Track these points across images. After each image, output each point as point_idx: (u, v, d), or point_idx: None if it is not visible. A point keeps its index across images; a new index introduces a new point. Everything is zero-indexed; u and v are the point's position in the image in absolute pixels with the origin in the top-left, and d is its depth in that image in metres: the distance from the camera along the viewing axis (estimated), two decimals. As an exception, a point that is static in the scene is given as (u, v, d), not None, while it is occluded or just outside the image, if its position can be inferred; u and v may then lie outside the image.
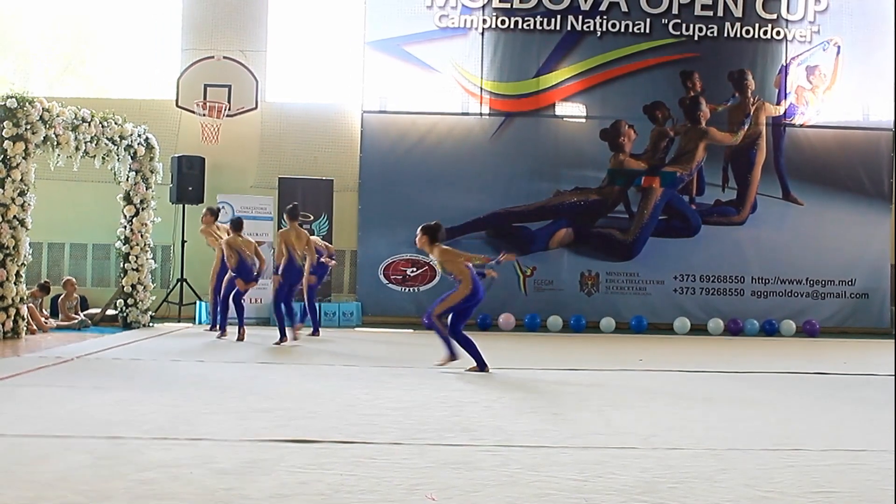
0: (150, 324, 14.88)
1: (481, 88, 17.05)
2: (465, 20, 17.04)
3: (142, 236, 14.77)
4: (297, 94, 17.58)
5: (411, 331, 15.50)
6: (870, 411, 8.52)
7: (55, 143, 12.71)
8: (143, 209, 14.79)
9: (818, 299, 17.14)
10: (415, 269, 16.77)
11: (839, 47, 17.36)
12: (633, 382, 10.01)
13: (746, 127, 17.27)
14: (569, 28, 17.09)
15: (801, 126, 17.39)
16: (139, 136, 14.57)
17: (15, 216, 12.18)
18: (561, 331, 16.20)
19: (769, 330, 16.57)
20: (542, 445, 6.40)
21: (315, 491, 5.06)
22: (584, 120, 17.35)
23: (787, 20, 17.32)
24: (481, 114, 17.11)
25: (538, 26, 17.07)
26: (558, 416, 7.68)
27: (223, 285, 13.42)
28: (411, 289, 16.78)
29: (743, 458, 6.20)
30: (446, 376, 10.00)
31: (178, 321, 15.78)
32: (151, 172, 14.91)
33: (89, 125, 13.31)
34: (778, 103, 17.37)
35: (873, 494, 5.34)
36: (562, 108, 17.34)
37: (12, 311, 12.25)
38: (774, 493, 5.29)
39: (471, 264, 10.24)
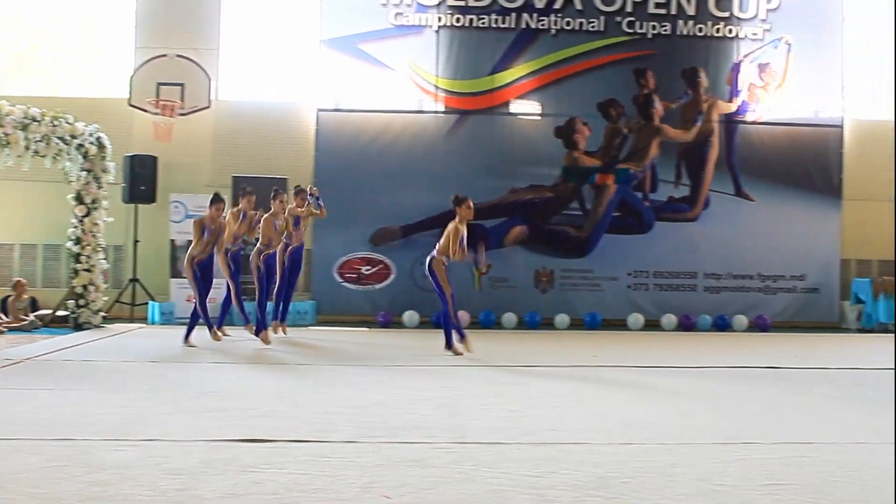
0: (102, 325, 14.72)
1: (436, 86, 17.05)
2: (421, 18, 17.03)
3: (93, 236, 14.61)
4: (252, 92, 17.46)
5: (366, 329, 15.48)
6: (819, 405, 8.64)
7: (4, 142, 12.55)
8: (94, 209, 14.63)
9: (769, 294, 17.32)
10: (370, 268, 16.74)
11: (790, 45, 17.54)
12: (588, 378, 10.07)
13: (699, 124, 17.41)
14: (523, 26, 17.13)
15: (753, 123, 17.55)
16: (91, 135, 14.41)
17: (-37, 216, 12.03)
18: (515, 328, 16.25)
19: (721, 325, 16.71)
20: (497, 442, 6.43)
21: (269, 490, 5.05)
22: (538, 117, 17.40)
23: (739, 18, 17.47)
24: (436, 112, 17.12)
25: (493, 24, 17.10)
26: (514, 413, 7.72)
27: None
28: (366, 287, 16.75)
29: (695, 452, 6.27)
30: (401, 374, 10.00)
31: (131, 322, 15.63)
32: (103, 172, 14.74)
33: (39, 124, 13.14)
34: (730, 100, 17.52)
35: (823, 487, 5.42)
36: (516, 106, 17.38)
37: (-39, 313, 12.09)
38: (726, 487, 5.36)
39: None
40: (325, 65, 16.95)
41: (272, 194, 13.00)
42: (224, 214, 12.65)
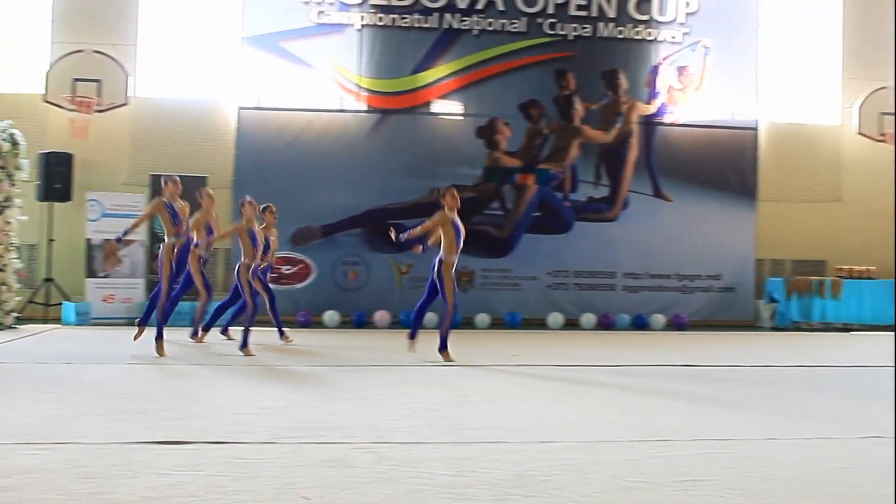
0: (15, 325, 14.41)
1: (358, 85, 17.00)
2: (343, 17, 16.98)
3: (6, 235, 14.29)
4: (171, 89, 17.22)
5: (286, 329, 15.35)
6: (733, 402, 8.79)
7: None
8: (6, 207, 14.30)
9: (686, 293, 17.60)
10: (290, 267, 16.63)
11: (707, 49, 17.83)
12: (508, 377, 10.14)
13: (619, 125, 17.62)
14: (446, 26, 17.18)
15: (672, 125, 17.82)
16: (3, 131, 14.11)
17: None
18: (436, 327, 16.20)
19: (639, 324, 16.93)
20: (417, 442, 6.45)
21: (186, 493, 5.00)
22: (460, 117, 17.46)
23: (658, 22, 17.73)
24: (358, 111, 17.07)
25: (416, 24, 17.12)
26: (433, 413, 7.74)
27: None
28: (286, 287, 16.63)
29: (613, 449, 6.35)
30: (321, 374, 9.95)
31: (45, 322, 15.33)
32: (16, 169, 14.43)
33: (-50, 120, 12.84)
34: (649, 102, 17.76)
35: (736, 482, 5.53)
36: (438, 106, 17.42)
37: None
38: (643, 483, 5.44)
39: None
40: (246, 62, 16.80)
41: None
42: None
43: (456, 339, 11.67)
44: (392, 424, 7.12)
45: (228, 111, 16.92)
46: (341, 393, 8.65)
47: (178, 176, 12.36)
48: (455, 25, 17.20)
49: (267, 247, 12.35)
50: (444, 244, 11.37)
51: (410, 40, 17.16)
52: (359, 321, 16.20)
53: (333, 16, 16.94)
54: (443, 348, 11.32)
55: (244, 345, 11.46)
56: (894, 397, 8.24)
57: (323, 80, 16.94)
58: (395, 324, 15.90)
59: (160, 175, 15.97)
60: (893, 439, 6.44)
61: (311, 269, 16.70)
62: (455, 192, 11.65)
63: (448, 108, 17.49)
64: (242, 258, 11.74)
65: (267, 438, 6.44)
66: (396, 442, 6.43)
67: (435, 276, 11.33)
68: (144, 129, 16.78)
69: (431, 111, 17.38)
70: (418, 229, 11.48)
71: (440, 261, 11.33)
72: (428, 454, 6.07)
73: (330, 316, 16.18)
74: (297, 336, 13.63)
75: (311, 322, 16.14)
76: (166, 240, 11.80)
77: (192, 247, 12.31)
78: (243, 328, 11.55)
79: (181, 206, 12.05)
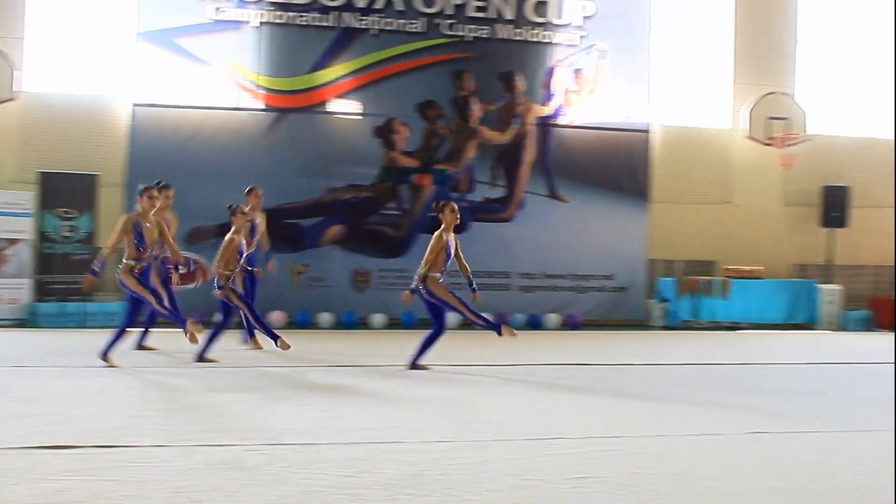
0: None
1: (255, 83, 16.83)
2: (240, 14, 16.78)
3: None
4: (61, 84, 16.82)
5: (180, 331, 15.12)
6: (624, 400, 8.97)
7: None
8: None
9: (580, 293, 17.84)
10: (185, 268, 16.36)
11: (602, 52, 18.10)
12: (402, 377, 10.17)
13: (515, 127, 17.77)
14: (344, 25, 17.11)
15: (567, 126, 18.04)
16: None
17: None
18: (332, 327, 16.22)
19: (534, 323, 17.12)
20: (311, 443, 6.45)
21: (73, 499, 4.93)
22: (358, 117, 17.41)
23: (555, 24, 17.92)
24: (255, 109, 16.90)
25: (314, 22, 17.02)
26: (328, 413, 7.74)
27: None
28: (180, 287, 16.35)
29: (506, 448, 6.44)
30: (215, 375, 9.86)
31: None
32: None
33: None
34: (545, 104, 17.95)
35: (628, 479, 5.66)
36: (336, 105, 17.35)
37: None
38: (536, 481, 5.53)
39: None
40: (140, 58, 16.50)
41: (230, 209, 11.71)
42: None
43: (351, 340, 11.67)
44: (286, 426, 7.10)
45: (121, 108, 16.59)
46: (235, 395, 8.58)
47: (69, 174, 11.79)
48: (353, 24, 17.15)
49: (253, 230, 12.09)
50: (428, 259, 10.99)
51: (308, 39, 17.06)
52: (248, 322, 16.02)
53: (230, 12, 16.74)
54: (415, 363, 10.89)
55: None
56: (894, 396, 8.48)
57: (219, 78, 16.72)
58: (291, 324, 15.81)
59: (49, 172, 15.70)
60: (893, 437, 6.64)
61: (206, 270, 16.47)
62: (455, 208, 11.19)
63: (346, 107, 17.44)
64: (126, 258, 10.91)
65: (158, 441, 6.37)
66: (290, 443, 6.42)
67: (425, 297, 10.89)
68: (32, 125, 16.35)
69: (329, 110, 17.30)
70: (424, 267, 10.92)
71: (423, 277, 10.85)
72: (321, 455, 6.08)
73: (225, 316, 15.99)
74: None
75: (207, 323, 15.89)
76: (124, 260, 10.65)
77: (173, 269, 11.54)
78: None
79: (152, 225, 10.82)
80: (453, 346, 13.80)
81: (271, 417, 7.47)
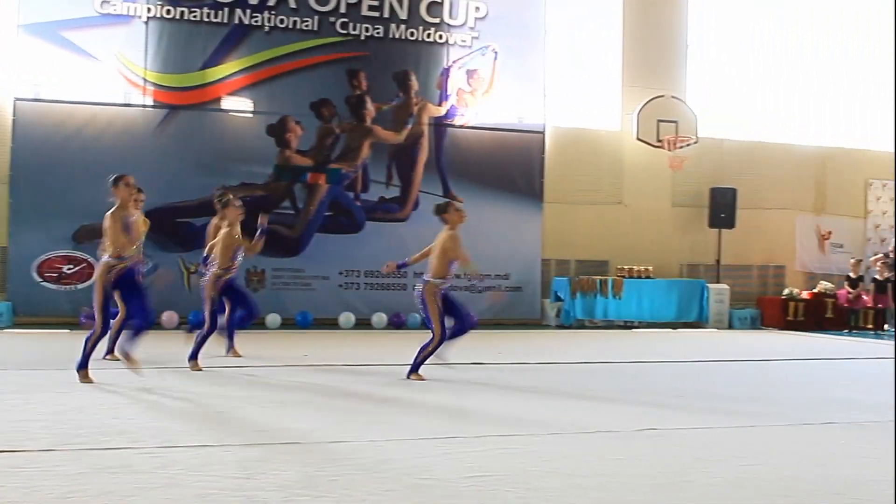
0: None
1: (145, 79, 16.49)
2: (129, 8, 16.41)
3: None
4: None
5: (68, 331, 14.77)
6: (519, 398, 9.01)
7: None
8: None
9: (476, 293, 17.90)
10: (72, 267, 15.98)
11: (496, 53, 18.21)
12: (298, 378, 10.06)
13: (410, 126, 17.77)
14: (236, 22, 16.88)
15: (462, 127, 18.11)
16: None
17: None
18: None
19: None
20: (205, 445, 6.31)
21: (-48, 506, 4.73)
22: (250, 115, 17.19)
23: (449, 25, 17.97)
24: (145, 105, 16.56)
25: (205, 18, 16.75)
26: (224, 414, 7.60)
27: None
28: (68, 287, 15.98)
29: (402, 448, 6.39)
30: (105, 376, 9.59)
31: None
32: None
33: None
34: (440, 104, 18.00)
35: (522, 476, 5.65)
36: (228, 103, 17.10)
37: None
38: (431, 480, 5.49)
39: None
40: (23, 51, 16.01)
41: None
42: None
43: (246, 340, 11.51)
44: (179, 427, 6.95)
45: (4, 102, 16.08)
46: (127, 396, 8.37)
47: None
48: (246, 21, 16.93)
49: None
50: (435, 265, 10.24)
51: (200, 35, 16.79)
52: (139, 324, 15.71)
53: (118, 6, 16.36)
54: (414, 370, 10.11)
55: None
56: (894, 394, 8.59)
57: (107, 73, 16.33)
58: (182, 324, 15.50)
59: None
60: (894, 435, 6.73)
61: (94, 269, 16.06)
62: (460, 207, 10.68)
63: (238, 104, 17.20)
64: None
65: (46, 446, 6.15)
66: (183, 445, 6.27)
67: (419, 301, 10.28)
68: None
69: (221, 108, 17.04)
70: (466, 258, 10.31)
71: (425, 283, 10.19)
72: (216, 457, 5.95)
73: (114, 317, 15.63)
74: (79, 338, 13.04)
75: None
76: (103, 258, 9.42)
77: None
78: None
79: (136, 219, 9.69)
80: (346, 346, 13.74)
81: (164, 419, 7.30)
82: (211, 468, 5.63)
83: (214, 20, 16.81)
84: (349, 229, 17.35)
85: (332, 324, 16.70)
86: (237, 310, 11.39)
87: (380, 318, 16.89)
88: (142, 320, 9.33)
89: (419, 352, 10.09)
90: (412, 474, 5.62)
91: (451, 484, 5.43)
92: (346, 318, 16.75)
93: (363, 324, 16.86)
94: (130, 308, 9.45)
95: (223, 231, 10.94)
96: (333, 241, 17.23)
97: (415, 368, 10.07)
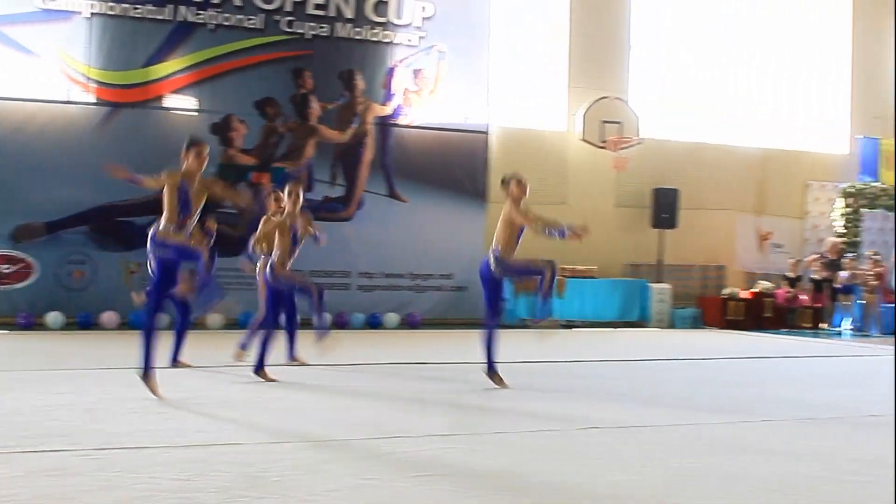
0: None
1: (87, 76, 16.30)
2: (71, 3, 16.20)
3: None
4: None
5: (5, 332, 14.57)
6: (461, 398, 9.06)
7: None
8: None
9: (420, 293, 17.94)
10: (9, 266, 15.73)
11: (442, 53, 18.24)
12: (240, 378, 10.01)
13: (355, 126, 17.75)
14: (181, 19, 16.75)
15: (407, 126, 18.12)
16: None
17: None
18: (167, 328, 15.76)
19: (374, 323, 17.14)
20: (145, 446, 6.27)
21: None
22: (194, 113, 17.06)
23: (395, 24, 17.97)
24: (87, 103, 16.36)
25: (149, 15, 16.59)
26: (162, 416, 7.55)
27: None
28: (5, 287, 15.74)
29: (345, 447, 6.42)
30: (42, 378, 9.50)
31: None
32: None
33: None
34: (385, 104, 17.99)
35: (466, 474, 5.72)
36: (172, 101, 16.95)
37: None
38: (374, 480, 5.52)
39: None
40: (-39, 47, 15.78)
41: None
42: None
43: (188, 341, 11.39)
44: (118, 429, 6.89)
45: (-60, 99, 15.84)
46: (61, 398, 8.28)
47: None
48: (190, 19, 16.81)
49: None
50: (503, 238, 9.70)
51: (143, 32, 16.62)
52: (85, 322, 15.57)
53: (60, 2, 16.16)
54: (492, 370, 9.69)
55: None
56: (894, 393, 8.69)
57: (48, 70, 16.13)
58: (123, 325, 15.38)
59: None
60: (894, 434, 6.80)
61: (32, 268, 15.87)
62: (522, 179, 9.89)
63: (182, 103, 17.06)
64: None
65: (-22, 449, 6.09)
66: (122, 447, 6.23)
67: (491, 275, 9.74)
68: None
69: (164, 106, 16.89)
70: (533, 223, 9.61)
71: (496, 258, 9.65)
72: (156, 459, 5.92)
73: (53, 317, 15.46)
74: (16, 339, 12.92)
75: (33, 324, 15.36)
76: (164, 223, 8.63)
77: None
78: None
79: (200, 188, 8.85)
80: (279, 345, 13.69)
81: (101, 421, 7.24)
82: (150, 470, 5.61)
83: (158, 17, 16.66)
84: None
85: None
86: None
87: (323, 317, 16.79)
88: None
89: (486, 344, 9.63)
90: (355, 474, 5.64)
91: (394, 483, 5.46)
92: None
93: (306, 323, 16.77)
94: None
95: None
96: (279, 241, 17.12)
97: (493, 368, 9.65)
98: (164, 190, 8.62)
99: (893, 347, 13.21)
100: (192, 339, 10.98)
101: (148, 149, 16.49)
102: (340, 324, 16.90)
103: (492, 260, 9.65)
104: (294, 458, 6.03)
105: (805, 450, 6.76)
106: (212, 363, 11.14)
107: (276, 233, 10.21)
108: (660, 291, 19.03)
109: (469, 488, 5.38)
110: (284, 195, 10.38)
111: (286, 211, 10.20)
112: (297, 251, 10.34)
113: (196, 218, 8.87)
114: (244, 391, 9.13)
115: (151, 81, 16.66)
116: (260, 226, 10.92)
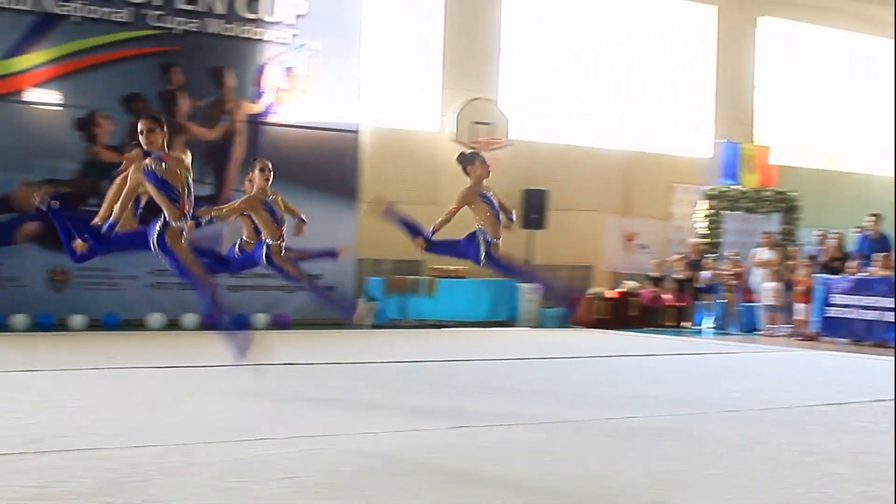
0: None
1: (-60, 68, 15.74)
2: (-77, -9, 15.64)
3: None
4: None
5: None
6: (331, 398, 9.06)
7: None
8: None
9: (289, 293, 17.74)
10: None
11: (314, 51, 18.15)
12: (103, 381, 9.83)
13: (224, 124, 17.53)
14: (43, 10, 16.26)
15: (277, 125, 17.97)
16: None
17: None
18: (27, 330, 15.35)
19: (241, 323, 16.89)
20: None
21: None
22: (57, 108, 16.58)
23: (266, 21, 17.81)
24: (-59, 96, 15.80)
25: (9, 5, 16.05)
26: (18, 420, 7.35)
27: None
28: None
29: (211, 451, 6.34)
30: None
31: None
32: None
33: None
34: (256, 101, 17.81)
35: (331, 476, 5.71)
36: (33, 95, 16.43)
37: None
38: (240, 483, 5.48)
39: None
40: None
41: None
42: None
43: (45, 343, 11.15)
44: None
45: None
46: None
47: None
48: (53, 10, 16.31)
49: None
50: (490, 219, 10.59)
51: (3, 23, 16.08)
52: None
53: (-90, -11, 15.55)
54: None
55: None
56: (894, 394, 8.78)
57: None
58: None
59: None
60: (894, 434, 6.90)
61: None
62: (485, 159, 10.69)
63: (44, 97, 16.55)
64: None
65: None
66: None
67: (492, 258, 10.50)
68: None
69: (25, 100, 16.36)
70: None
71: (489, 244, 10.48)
72: (12, 465, 5.76)
73: None
74: None
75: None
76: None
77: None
78: None
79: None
80: (156, 347, 13.48)
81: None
82: (4, 478, 5.46)
83: (18, 7, 16.12)
84: (160, 227, 16.95)
85: (140, 325, 16.31)
86: None
87: (190, 318, 16.58)
88: None
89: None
90: (221, 477, 5.59)
91: (261, 486, 5.43)
92: (156, 318, 16.39)
93: (174, 325, 16.54)
94: None
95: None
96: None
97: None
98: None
99: (893, 354, 13.32)
100: (52, 341, 10.70)
101: (6, 144, 16.06)
102: (211, 325, 16.63)
103: (482, 245, 10.81)
104: (157, 462, 5.96)
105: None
106: (74, 366, 10.86)
107: (255, 214, 10.61)
108: (528, 291, 19.29)
109: (332, 489, 5.41)
110: (255, 173, 10.59)
111: (257, 187, 10.37)
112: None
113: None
114: (104, 393, 8.95)
115: (11, 74, 16.11)
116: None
